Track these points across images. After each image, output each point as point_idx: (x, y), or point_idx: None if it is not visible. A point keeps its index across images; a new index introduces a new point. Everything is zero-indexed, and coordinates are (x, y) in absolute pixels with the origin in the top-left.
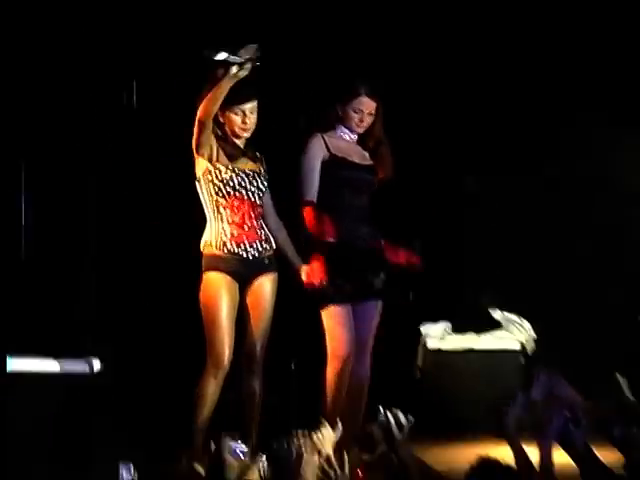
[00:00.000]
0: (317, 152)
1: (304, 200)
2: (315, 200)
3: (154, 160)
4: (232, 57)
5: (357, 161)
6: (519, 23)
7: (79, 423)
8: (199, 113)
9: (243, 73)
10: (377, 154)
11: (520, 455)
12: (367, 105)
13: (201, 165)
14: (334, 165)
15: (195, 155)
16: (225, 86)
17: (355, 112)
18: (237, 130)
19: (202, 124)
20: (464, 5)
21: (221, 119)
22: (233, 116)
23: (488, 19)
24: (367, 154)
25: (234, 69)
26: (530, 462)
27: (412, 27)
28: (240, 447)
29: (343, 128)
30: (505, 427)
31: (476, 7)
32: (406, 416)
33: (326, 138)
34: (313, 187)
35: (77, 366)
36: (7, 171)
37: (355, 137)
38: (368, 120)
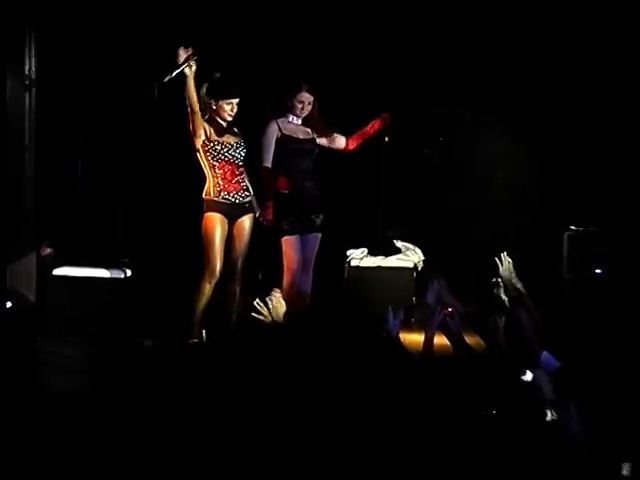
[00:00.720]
0: (272, 132)
1: (263, 166)
2: (270, 165)
3: (172, 138)
4: (174, 72)
5: (301, 137)
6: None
7: (115, 311)
8: (188, 105)
9: (192, 70)
10: (317, 130)
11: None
12: (307, 97)
13: (199, 141)
14: (284, 141)
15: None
16: (189, 84)
17: (299, 103)
18: (226, 116)
19: (192, 111)
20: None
21: (214, 107)
22: (225, 106)
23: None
24: (310, 131)
25: (186, 72)
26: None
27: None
28: None
29: (291, 115)
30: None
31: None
32: None
33: (279, 122)
34: (269, 156)
35: (114, 273)
36: (68, 143)
37: (299, 121)
38: (308, 108)
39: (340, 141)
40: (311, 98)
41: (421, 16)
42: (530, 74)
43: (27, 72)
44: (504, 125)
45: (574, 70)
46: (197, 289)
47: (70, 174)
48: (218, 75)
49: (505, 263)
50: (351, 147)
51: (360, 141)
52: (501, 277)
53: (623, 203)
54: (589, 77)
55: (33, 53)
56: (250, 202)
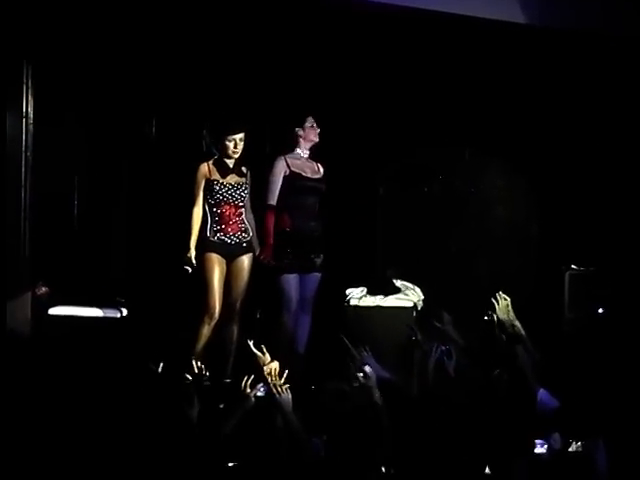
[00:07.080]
0: (280, 170)
1: (268, 204)
2: (275, 204)
3: (170, 176)
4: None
5: (309, 175)
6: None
7: (111, 350)
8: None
9: None
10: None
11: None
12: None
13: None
14: (292, 178)
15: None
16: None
17: (306, 132)
18: (230, 153)
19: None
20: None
21: (219, 146)
22: (227, 143)
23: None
24: (316, 167)
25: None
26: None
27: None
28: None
29: (298, 149)
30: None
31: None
32: None
33: (287, 159)
34: (275, 195)
35: (111, 312)
36: (64, 181)
37: (307, 154)
38: (315, 139)
39: None
40: (318, 129)
41: (423, 56)
42: (530, 112)
43: (24, 110)
44: (504, 163)
45: (572, 108)
46: (197, 330)
47: (66, 213)
48: (220, 112)
49: (501, 302)
50: None
51: None
52: (497, 316)
53: (624, 243)
54: (587, 115)
55: (31, 91)
56: (249, 242)
